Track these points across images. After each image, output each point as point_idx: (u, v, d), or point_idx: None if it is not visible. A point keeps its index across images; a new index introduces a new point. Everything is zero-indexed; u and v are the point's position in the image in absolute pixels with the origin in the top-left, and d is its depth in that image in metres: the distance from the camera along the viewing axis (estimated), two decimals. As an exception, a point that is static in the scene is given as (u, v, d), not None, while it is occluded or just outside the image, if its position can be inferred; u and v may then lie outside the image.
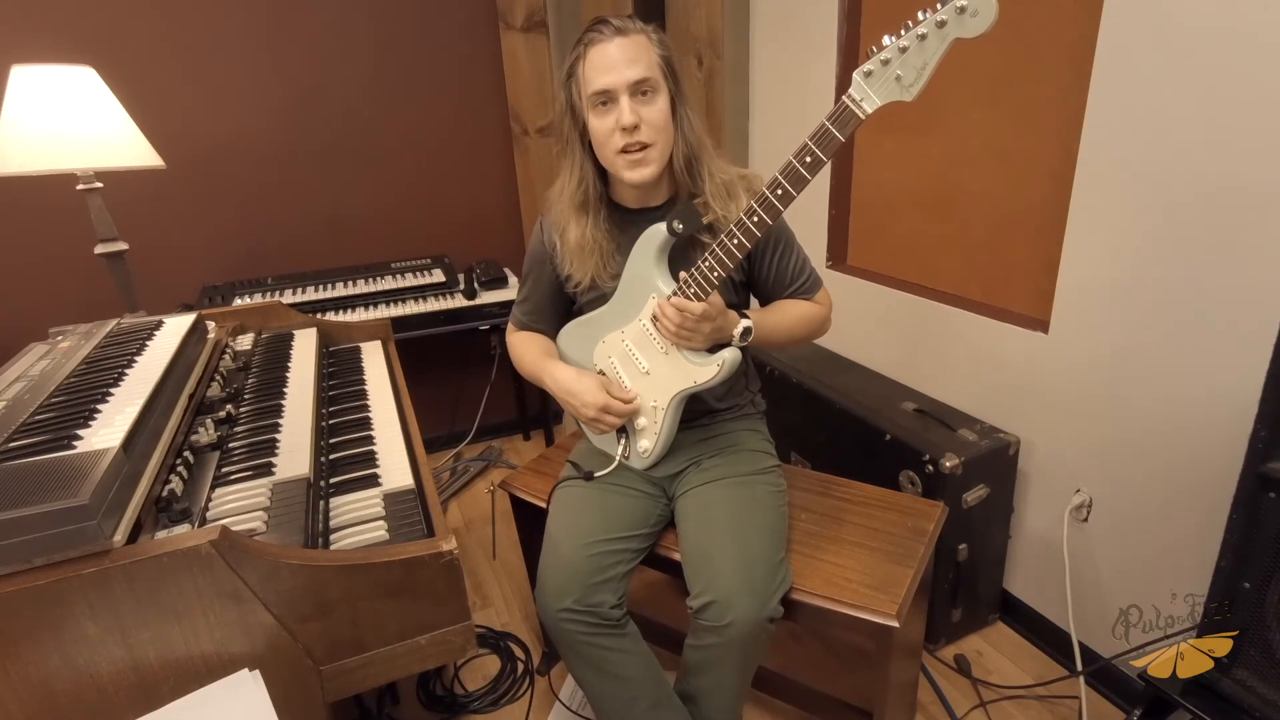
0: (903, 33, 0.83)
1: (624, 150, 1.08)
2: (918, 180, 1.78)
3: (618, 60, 1.05)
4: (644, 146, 1.08)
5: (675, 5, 2.34)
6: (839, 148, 0.91)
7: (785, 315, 1.23)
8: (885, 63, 0.85)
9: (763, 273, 1.24)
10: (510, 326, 1.39)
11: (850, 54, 1.87)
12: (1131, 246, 1.28)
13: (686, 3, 2.29)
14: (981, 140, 1.59)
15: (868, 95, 0.87)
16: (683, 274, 1.07)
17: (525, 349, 1.33)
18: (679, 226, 1.07)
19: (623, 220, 1.20)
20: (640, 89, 1.06)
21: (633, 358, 1.20)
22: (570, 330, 1.31)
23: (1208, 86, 1.12)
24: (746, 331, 1.11)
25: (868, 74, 0.86)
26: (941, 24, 0.80)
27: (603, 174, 1.18)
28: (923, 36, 0.82)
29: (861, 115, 0.88)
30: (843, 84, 1.88)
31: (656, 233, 1.11)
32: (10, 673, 0.73)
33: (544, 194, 2.48)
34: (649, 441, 1.23)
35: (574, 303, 1.31)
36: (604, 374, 1.25)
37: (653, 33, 1.09)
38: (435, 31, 2.28)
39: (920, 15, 0.82)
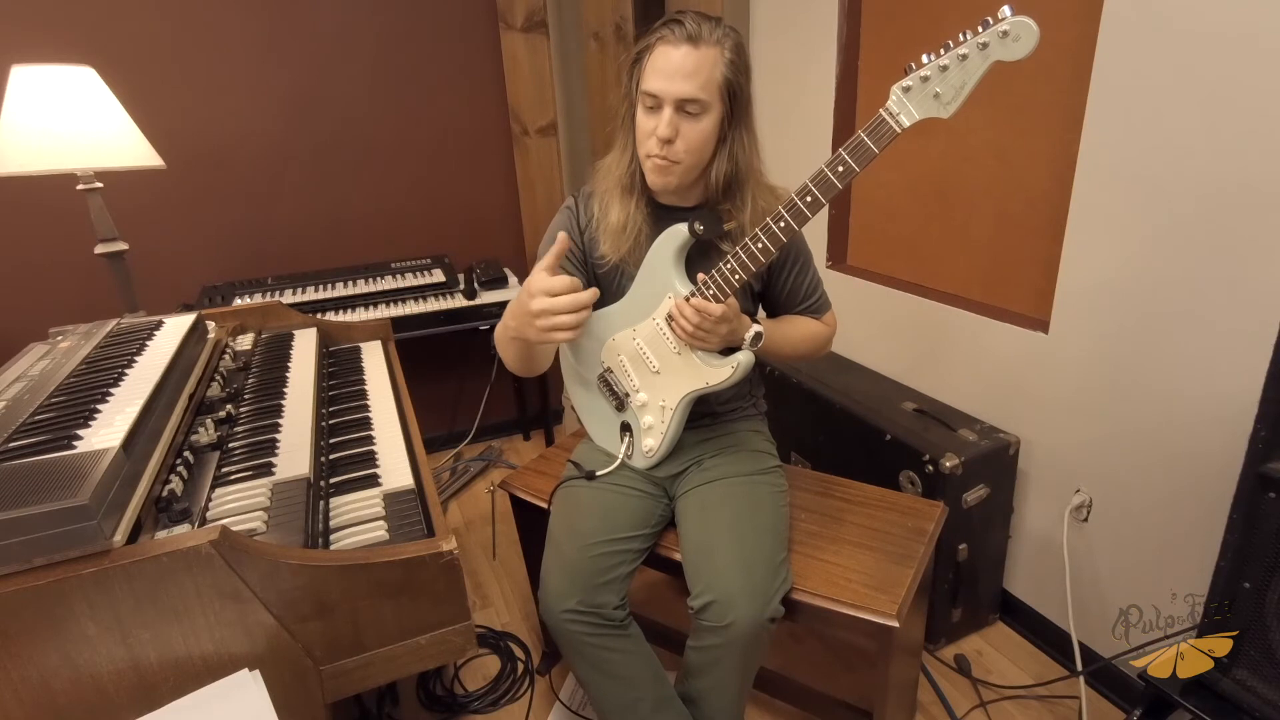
0: (943, 51, 0.84)
1: (652, 156, 1.09)
2: (918, 180, 1.78)
3: (676, 71, 1.02)
4: (670, 161, 1.08)
5: (675, 5, 2.34)
6: (873, 159, 0.92)
7: (793, 329, 1.25)
8: (925, 79, 0.86)
9: (778, 286, 1.25)
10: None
11: (850, 54, 1.87)
12: (1131, 246, 1.28)
13: (686, 3, 2.29)
14: (982, 139, 1.59)
15: (906, 109, 0.88)
16: (702, 275, 1.07)
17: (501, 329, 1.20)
18: (700, 228, 1.08)
19: (655, 212, 1.20)
20: (686, 107, 1.05)
21: (644, 357, 1.20)
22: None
23: (1208, 86, 1.12)
24: (757, 336, 1.11)
25: (906, 89, 0.87)
26: (984, 46, 0.82)
27: None
28: (964, 57, 0.83)
29: (898, 129, 0.89)
30: (843, 84, 1.88)
31: (677, 233, 1.12)
32: (10, 673, 0.73)
33: (544, 194, 2.52)
34: (654, 441, 1.23)
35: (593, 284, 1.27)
36: (613, 371, 1.25)
37: (729, 49, 1.04)
38: (435, 32, 2.28)
39: (962, 36, 0.83)
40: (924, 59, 0.86)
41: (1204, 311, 1.19)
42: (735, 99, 1.07)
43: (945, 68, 0.84)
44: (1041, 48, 1.50)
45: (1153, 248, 1.25)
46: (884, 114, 0.89)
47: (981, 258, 1.66)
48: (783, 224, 0.99)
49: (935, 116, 0.87)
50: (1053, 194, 1.45)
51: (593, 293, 1.00)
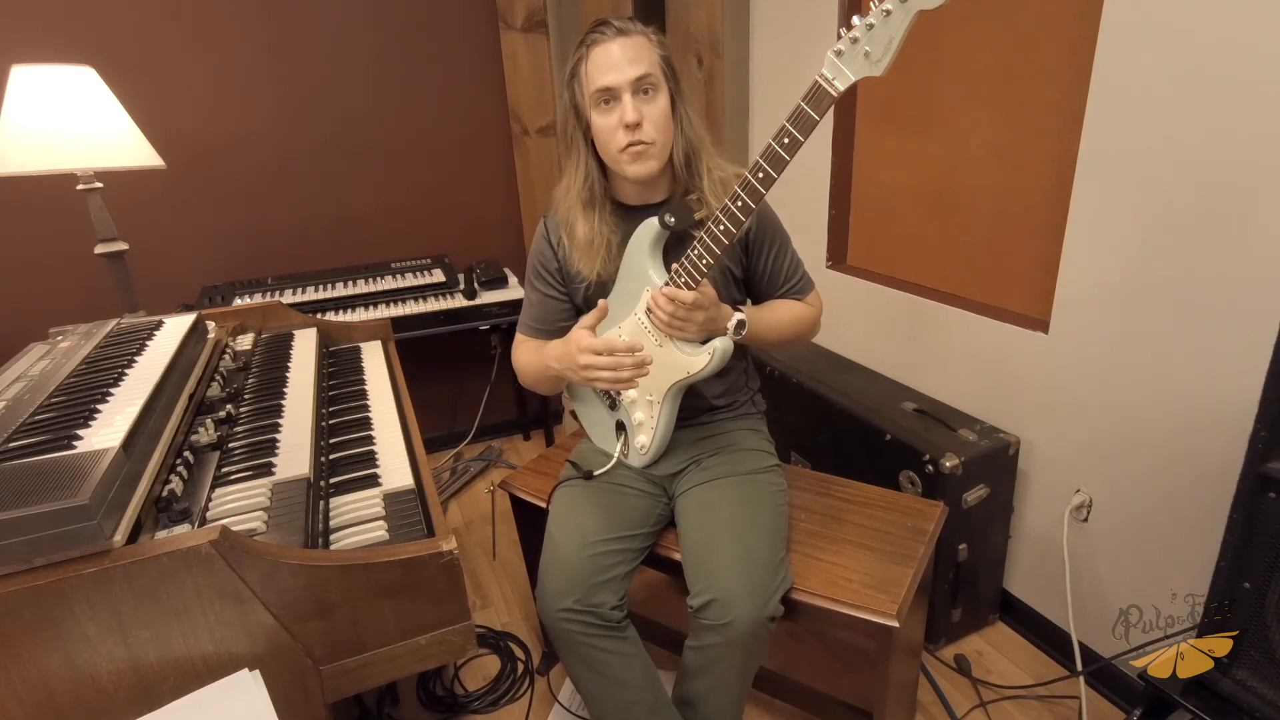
0: (870, 10, 0.86)
1: (627, 147, 1.10)
2: (918, 180, 1.78)
3: (620, 60, 1.07)
4: (645, 144, 1.10)
5: (675, 5, 2.34)
6: (814, 127, 0.93)
7: (777, 314, 1.25)
8: (854, 40, 0.87)
9: (758, 269, 1.25)
10: (517, 337, 1.36)
11: (850, 54, 1.87)
12: (1131, 246, 1.28)
13: (686, 3, 2.28)
14: (981, 140, 1.59)
15: (840, 73, 0.89)
16: (674, 264, 1.09)
17: (525, 358, 1.32)
18: (670, 220, 1.09)
19: (625, 217, 1.21)
20: (642, 87, 1.08)
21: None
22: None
23: (1208, 87, 1.12)
24: (740, 324, 1.12)
25: (839, 53, 0.89)
26: None
27: (605, 172, 1.19)
28: (888, 12, 0.84)
29: (834, 93, 0.90)
30: (843, 84, 1.88)
31: (649, 227, 1.13)
32: (10, 673, 0.73)
33: (544, 194, 2.52)
34: (646, 437, 1.23)
35: (579, 303, 1.30)
36: None
37: (652, 34, 1.12)
38: (435, 31, 2.28)
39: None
40: (854, 21, 0.87)
41: (1204, 311, 1.19)
42: (675, 76, 1.13)
43: (871, 25, 0.86)
44: (1042, 48, 1.50)
45: (1153, 248, 1.25)
46: (819, 80, 0.91)
47: (981, 258, 1.66)
48: (739, 203, 1.00)
49: (869, 75, 0.88)
50: (1053, 194, 1.45)
51: (628, 344, 1.13)
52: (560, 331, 1.29)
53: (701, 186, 1.16)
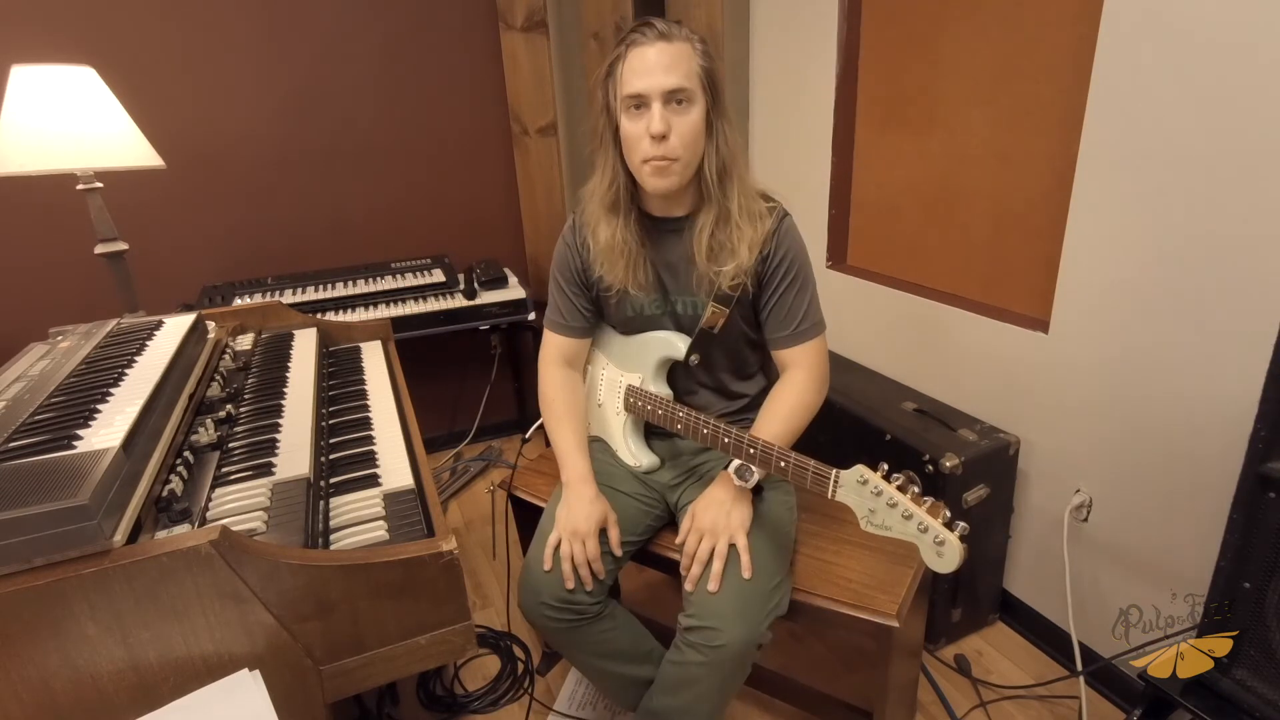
0: (908, 493, 0.88)
1: (649, 159, 1.05)
2: (918, 180, 1.78)
3: (655, 66, 1.01)
4: (669, 160, 1.05)
5: (675, 5, 2.34)
6: (800, 482, 1.01)
7: (781, 426, 1.19)
8: (876, 493, 0.90)
9: (766, 295, 1.18)
10: (546, 335, 1.31)
11: (850, 54, 1.87)
12: (1131, 246, 1.28)
13: (686, 2, 2.28)
14: (981, 140, 1.59)
15: (846, 490, 0.94)
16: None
17: (555, 401, 1.28)
18: (694, 360, 1.20)
19: (648, 227, 1.18)
20: (675, 98, 1.03)
21: (598, 388, 1.33)
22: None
23: (1208, 85, 1.12)
24: (741, 468, 1.12)
25: (862, 481, 0.92)
26: (923, 529, 0.85)
27: (632, 177, 1.14)
28: (908, 515, 0.87)
29: (829, 492, 0.96)
30: (843, 84, 1.88)
31: (675, 347, 1.21)
32: (10, 673, 0.73)
33: (544, 194, 2.52)
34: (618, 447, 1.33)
35: (606, 309, 1.28)
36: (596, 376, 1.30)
37: (698, 42, 1.06)
38: (435, 31, 2.28)
39: (923, 498, 0.87)
40: (892, 476, 0.90)
41: (1204, 311, 1.19)
42: (715, 88, 1.07)
43: (894, 504, 0.88)
44: (1042, 48, 1.50)
45: (1153, 248, 1.25)
46: (835, 471, 0.95)
47: (981, 257, 1.66)
48: (729, 442, 1.09)
49: (852, 512, 0.93)
50: (1053, 194, 1.44)
51: (596, 556, 1.14)
52: (584, 330, 1.28)
53: (730, 208, 1.11)
